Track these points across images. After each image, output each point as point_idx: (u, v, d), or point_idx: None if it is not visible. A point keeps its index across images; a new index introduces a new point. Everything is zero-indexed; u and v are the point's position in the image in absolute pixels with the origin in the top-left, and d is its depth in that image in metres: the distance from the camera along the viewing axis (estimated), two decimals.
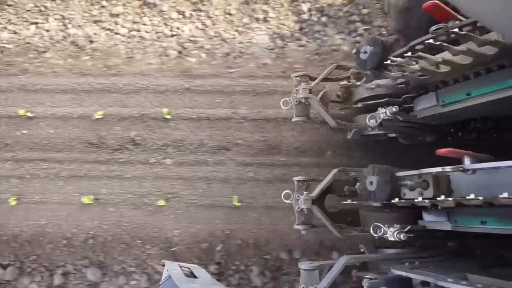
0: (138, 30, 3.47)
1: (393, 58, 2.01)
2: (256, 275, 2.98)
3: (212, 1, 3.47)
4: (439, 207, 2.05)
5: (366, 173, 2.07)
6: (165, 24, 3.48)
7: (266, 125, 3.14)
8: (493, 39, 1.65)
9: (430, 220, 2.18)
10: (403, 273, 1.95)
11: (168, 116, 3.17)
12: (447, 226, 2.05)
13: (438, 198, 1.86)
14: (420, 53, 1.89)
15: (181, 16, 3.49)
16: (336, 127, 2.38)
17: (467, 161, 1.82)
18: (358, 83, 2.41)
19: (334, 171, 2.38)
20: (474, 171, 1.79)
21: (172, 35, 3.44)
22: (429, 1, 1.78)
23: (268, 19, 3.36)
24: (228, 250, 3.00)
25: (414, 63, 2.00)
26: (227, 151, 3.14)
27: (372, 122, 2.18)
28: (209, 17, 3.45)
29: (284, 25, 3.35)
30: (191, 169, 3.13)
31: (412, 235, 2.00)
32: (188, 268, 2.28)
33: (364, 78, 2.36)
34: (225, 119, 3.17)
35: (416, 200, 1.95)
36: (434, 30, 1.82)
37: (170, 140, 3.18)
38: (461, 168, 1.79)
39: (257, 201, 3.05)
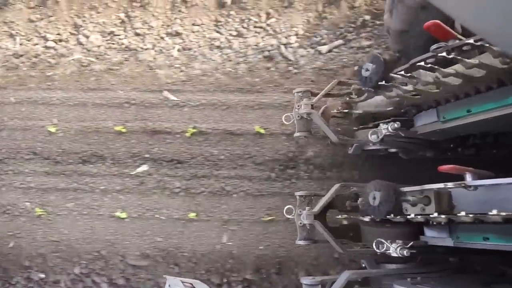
0: None
1: (394, 75, 2.05)
2: None
3: None
4: (442, 223, 2.07)
5: (369, 188, 2.08)
6: None
7: None
8: (479, 62, 1.70)
9: (432, 235, 2.18)
10: None
11: None
12: (449, 242, 2.06)
13: (440, 215, 1.87)
14: (419, 71, 1.93)
15: None
16: (338, 142, 2.40)
17: (468, 178, 1.84)
18: (359, 99, 2.45)
19: (336, 186, 2.39)
20: (476, 187, 1.81)
21: None
22: (430, 21, 1.83)
23: None
24: None
25: (414, 81, 2.05)
26: None
27: (373, 138, 2.21)
28: None
29: None
30: None
31: (414, 250, 2.00)
32: (190, 283, 2.26)
33: (366, 94, 2.40)
34: None
35: (418, 216, 1.97)
36: (434, 48, 1.87)
37: None
38: (463, 185, 1.81)
39: None
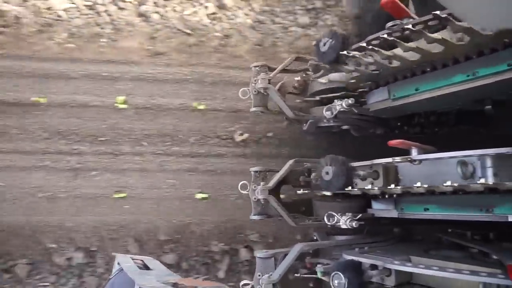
0: None
1: (350, 52, 2.07)
2: None
3: None
4: (387, 196, 2.18)
5: (323, 163, 2.12)
6: None
7: None
8: (441, 38, 1.76)
9: (378, 208, 2.30)
10: (354, 258, 2.05)
11: None
12: (394, 214, 2.19)
13: (387, 187, 1.96)
14: (374, 48, 1.97)
15: None
16: (294, 118, 2.41)
17: (414, 152, 1.95)
18: (315, 75, 2.46)
19: (290, 162, 2.41)
20: (420, 161, 1.91)
21: None
22: None
23: None
24: None
25: (370, 57, 2.08)
26: None
27: (328, 114, 2.24)
28: None
29: None
30: None
31: (363, 222, 2.10)
32: (141, 260, 2.19)
33: (322, 71, 2.42)
34: None
35: (367, 189, 2.05)
36: (390, 26, 1.91)
37: None
38: (409, 159, 1.90)
39: None
